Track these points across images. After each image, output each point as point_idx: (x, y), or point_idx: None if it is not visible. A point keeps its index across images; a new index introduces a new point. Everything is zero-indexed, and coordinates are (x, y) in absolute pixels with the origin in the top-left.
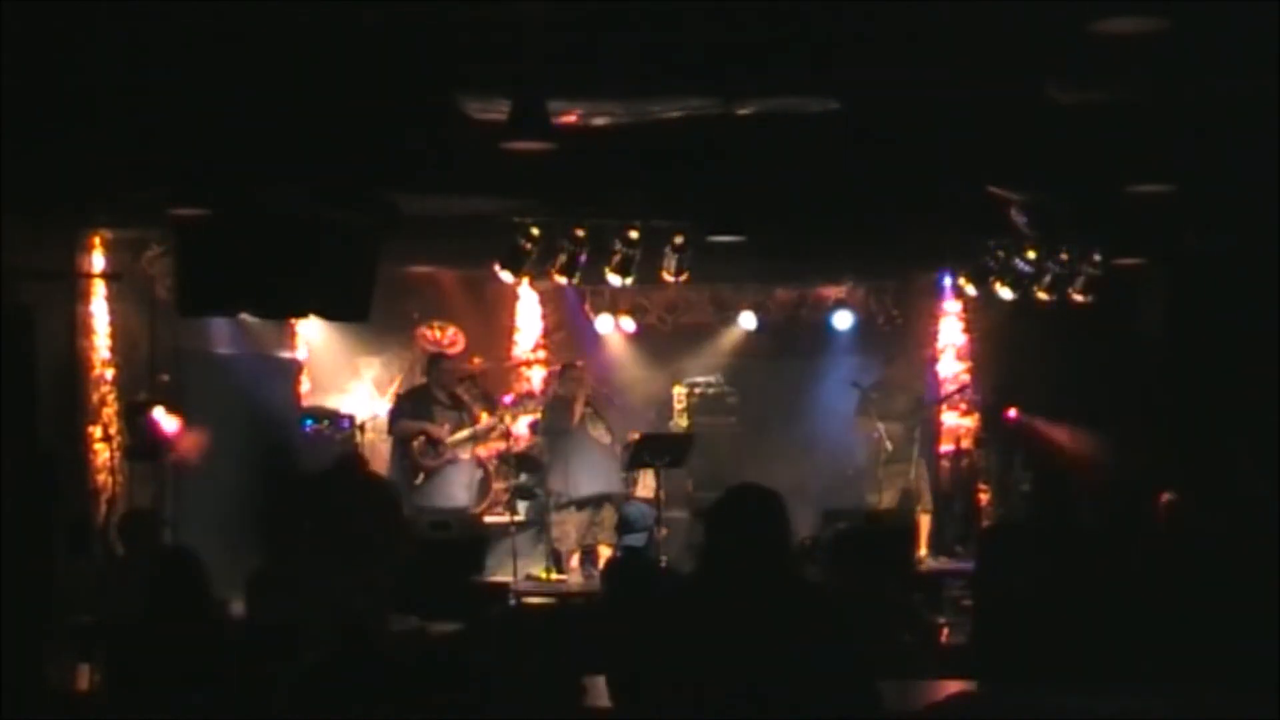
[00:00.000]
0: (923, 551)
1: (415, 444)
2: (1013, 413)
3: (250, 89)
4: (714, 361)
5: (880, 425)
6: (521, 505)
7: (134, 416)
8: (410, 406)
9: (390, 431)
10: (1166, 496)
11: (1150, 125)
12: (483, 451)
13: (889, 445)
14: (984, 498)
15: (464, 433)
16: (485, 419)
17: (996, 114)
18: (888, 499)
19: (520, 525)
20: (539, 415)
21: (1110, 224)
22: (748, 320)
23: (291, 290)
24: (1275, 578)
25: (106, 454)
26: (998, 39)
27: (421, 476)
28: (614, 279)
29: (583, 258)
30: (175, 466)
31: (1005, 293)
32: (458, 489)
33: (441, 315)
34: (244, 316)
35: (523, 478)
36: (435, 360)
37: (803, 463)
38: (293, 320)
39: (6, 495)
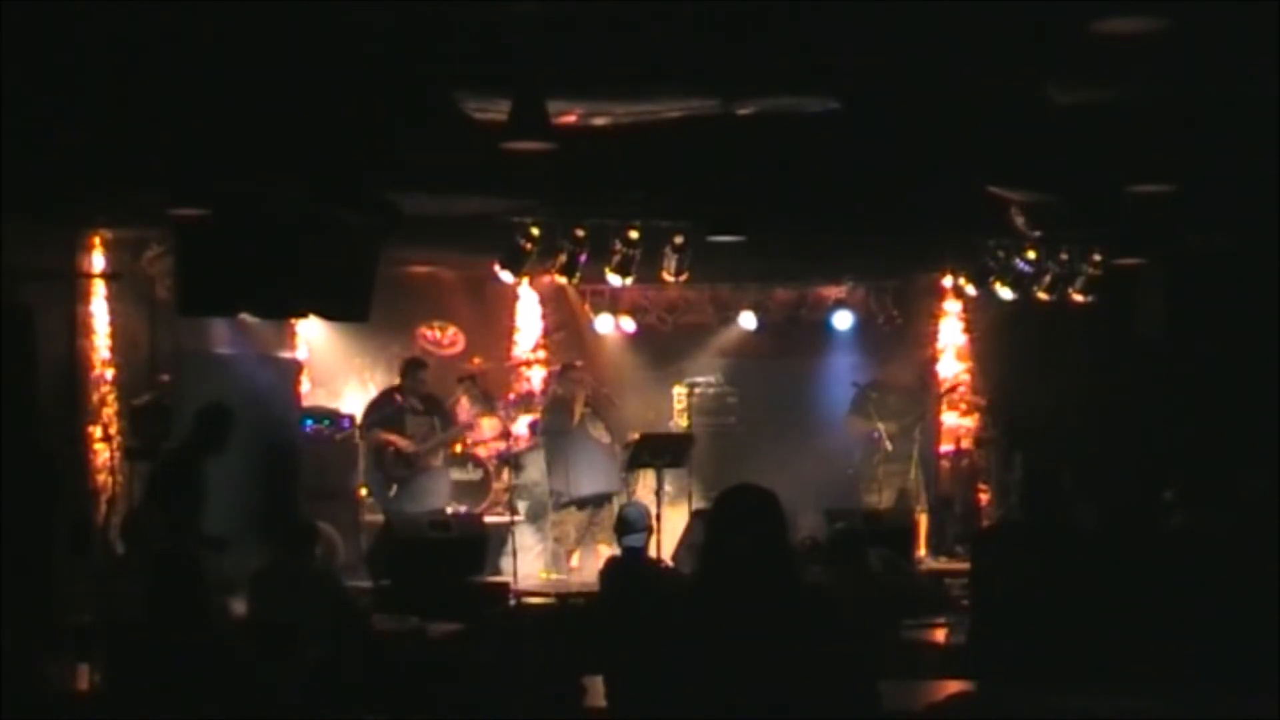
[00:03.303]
0: (922, 551)
1: (386, 455)
2: None
3: (250, 89)
4: (714, 361)
5: (880, 425)
6: (521, 505)
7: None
8: (378, 416)
9: (362, 438)
10: (1166, 496)
11: (1150, 125)
12: (483, 451)
13: (888, 445)
14: (984, 498)
15: (429, 443)
16: (487, 422)
17: (996, 114)
18: (886, 498)
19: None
20: (539, 415)
21: (1110, 224)
22: (748, 320)
23: (291, 290)
24: (1275, 578)
25: (106, 454)
26: (998, 39)
27: (395, 489)
28: (614, 279)
29: (583, 258)
30: None
31: (1005, 293)
32: (435, 497)
33: (441, 315)
34: (244, 316)
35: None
36: (414, 366)
37: (803, 463)
38: (293, 320)
39: (6, 495)
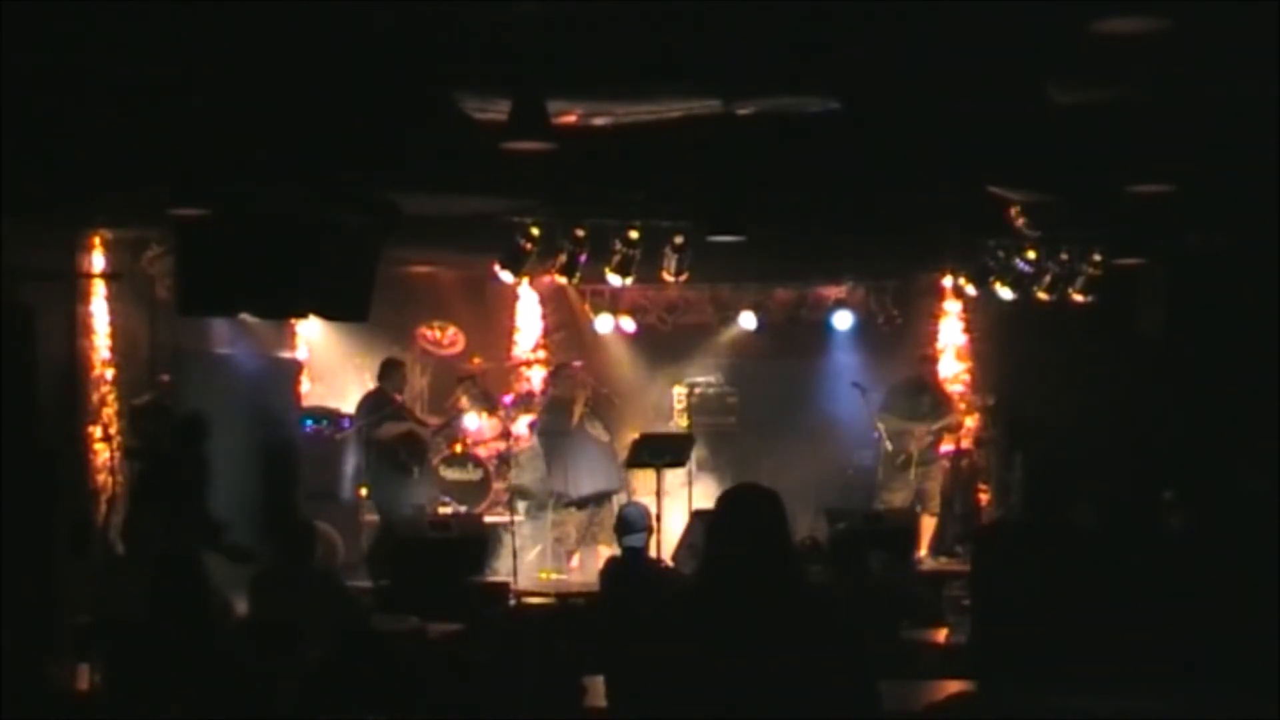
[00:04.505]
0: (923, 552)
1: (399, 448)
2: None
3: (250, 89)
4: (714, 361)
5: (881, 426)
6: (521, 505)
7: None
8: (379, 416)
9: (373, 437)
10: (1166, 496)
11: (1150, 125)
12: (483, 451)
13: (888, 445)
14: (984, 498)
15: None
16: (487, 422)
17: (996, 114)
18: (900, 499)
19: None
20: (538, 416)
21: (1110, 224)
22: (748, 320)
23: (291, 290)
24: (1275, 578)
25: (106, 454)
26: (998, 39)
27: (417, 472)
28: (614, 279)
29: (583, 258)
30: None
31: (1005, 293)
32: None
33: (441, 315)
34: (244, 316)
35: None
36: (394, 365)
37: (803, 463)
38: (293, 320)
39: (6, 495)
